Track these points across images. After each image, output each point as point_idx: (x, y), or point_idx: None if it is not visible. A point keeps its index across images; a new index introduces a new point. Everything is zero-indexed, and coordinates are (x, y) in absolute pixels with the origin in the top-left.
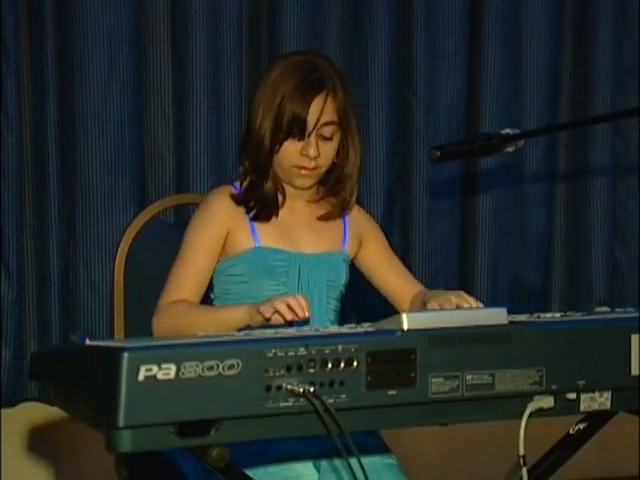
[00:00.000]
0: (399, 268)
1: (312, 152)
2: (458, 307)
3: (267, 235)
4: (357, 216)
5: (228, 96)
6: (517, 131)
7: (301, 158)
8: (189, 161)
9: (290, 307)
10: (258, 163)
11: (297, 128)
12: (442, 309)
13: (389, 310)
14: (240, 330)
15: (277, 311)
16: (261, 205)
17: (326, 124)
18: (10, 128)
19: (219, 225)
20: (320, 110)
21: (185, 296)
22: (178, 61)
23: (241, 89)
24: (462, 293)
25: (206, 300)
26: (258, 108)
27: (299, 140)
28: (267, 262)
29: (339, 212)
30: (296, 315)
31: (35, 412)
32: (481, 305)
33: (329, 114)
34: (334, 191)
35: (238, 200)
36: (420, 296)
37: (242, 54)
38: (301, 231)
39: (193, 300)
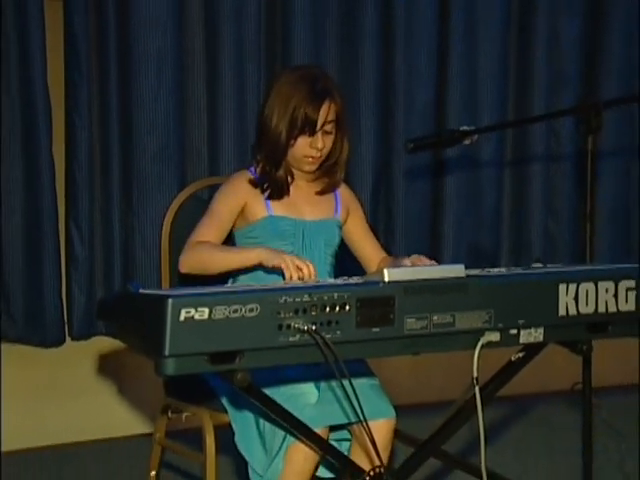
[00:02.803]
0: (372, 238)
1: (319, 145)
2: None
3: (278, 207)
4: (345, 191)
5: (249, 103)
6: (473, 128)
7: (310, 150)
8: (219, 153)
9: (299, 269)
10: (274, 155)
11: (308, 127)
12: (414, 266)
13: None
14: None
15: (287, 267)
16: (274, 188)
17: (329, 122)
18: (82, 126)
19: (238, 197)
20: (327, 113)
21: (209, 239)
22: (211, 78)
23: (259, 98)
24: (422, 257)
25: None
26: (272, 114)
27: (309, 136)
28: (278, 227)
29: (332, 188)
30: (302, 277)
31: (103, 344)
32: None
33: (331, 115)
34: (328, 173)
35: (255, 183)
36: (385, 261)
37: (260, 72)
38: (304, 203)
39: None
